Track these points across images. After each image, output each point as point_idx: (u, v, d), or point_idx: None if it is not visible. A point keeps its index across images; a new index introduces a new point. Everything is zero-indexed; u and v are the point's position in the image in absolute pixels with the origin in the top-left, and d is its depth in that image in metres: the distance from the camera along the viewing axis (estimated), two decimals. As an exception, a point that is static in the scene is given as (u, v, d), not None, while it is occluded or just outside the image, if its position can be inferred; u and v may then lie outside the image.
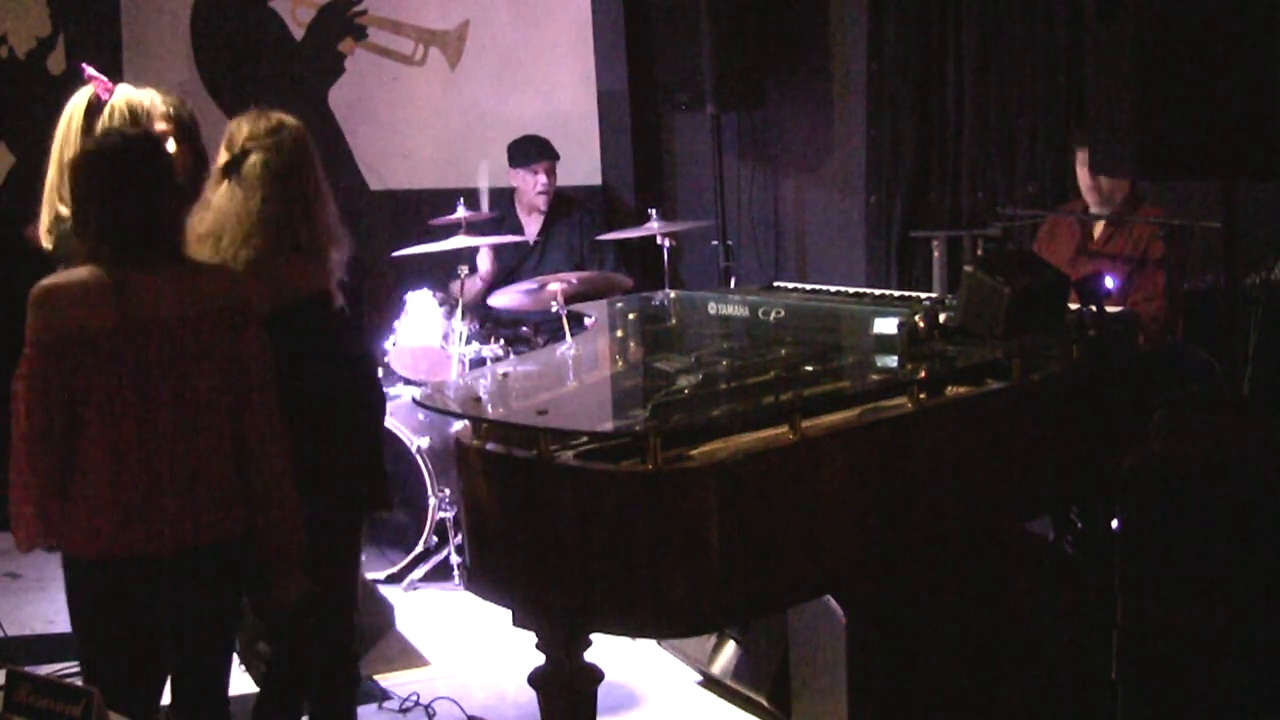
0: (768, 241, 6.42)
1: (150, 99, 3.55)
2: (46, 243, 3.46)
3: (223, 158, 3.29)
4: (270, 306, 3.15)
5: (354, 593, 3.62)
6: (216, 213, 3.23)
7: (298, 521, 3.09)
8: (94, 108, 3.48)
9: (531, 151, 6.10)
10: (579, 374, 3.86)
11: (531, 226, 6.16)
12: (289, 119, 3.34)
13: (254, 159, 3.23)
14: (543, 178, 6.08)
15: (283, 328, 3.15)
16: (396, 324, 5.44)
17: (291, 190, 3.25)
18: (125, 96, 3.52)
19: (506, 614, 3.21)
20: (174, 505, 2.93)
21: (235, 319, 2.98)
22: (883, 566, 3.32)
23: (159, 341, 2.90)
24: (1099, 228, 4.92)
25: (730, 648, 4.14)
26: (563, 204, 6.19)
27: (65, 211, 3.33)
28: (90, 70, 3.55)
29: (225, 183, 3.25)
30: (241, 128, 3.30)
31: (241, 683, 4.33)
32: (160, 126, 3.50)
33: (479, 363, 5.28)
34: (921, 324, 3.71)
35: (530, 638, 3.18)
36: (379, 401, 3.65)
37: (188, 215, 3.16)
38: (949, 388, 3.50)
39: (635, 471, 2.95)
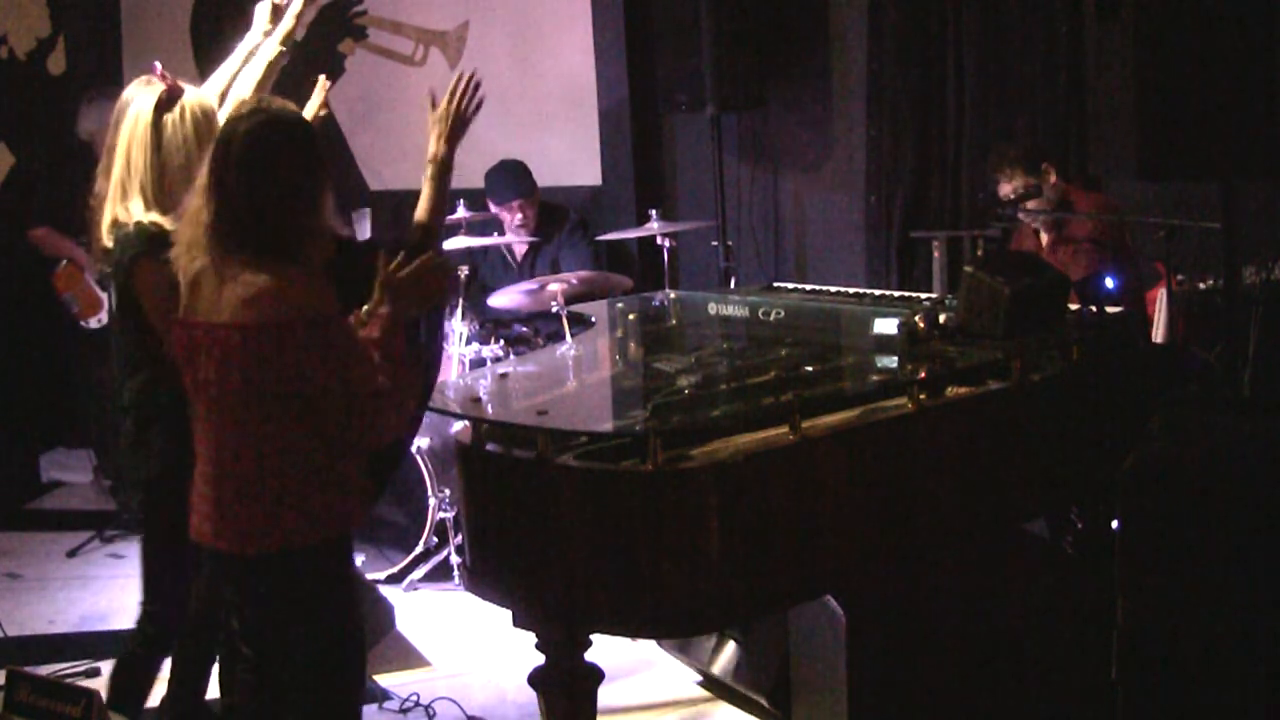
0: (768, 242, 6.42)
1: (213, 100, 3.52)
2: (107, 241, 3.36)
3: None
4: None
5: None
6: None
7: None
8: (163, 106, 3.39)
9: (504, 189, 5.94)
10: (579, 374, 3.86)
11: (520, 246, 6.12)
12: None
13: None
14: (519, 215, 5.97)
15: None
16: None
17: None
18: (198, 98, 3.46)
19: (506, 614, 3.20)
20: (210, 502, 2.89)
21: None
22: (883, 566, 3.31)
23: (197, 342, 2.87)
24: (1044, 234, 4.98)
25: (730, 648, 4.14)
26: (548, 221, 6.07)
27: (137, 211, 3.28)
28: (161, 68, 3.46)
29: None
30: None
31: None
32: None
33: (479, 363, 5.28)
34: (921, 324, 3.71)
35: (530, 638, 3.18)
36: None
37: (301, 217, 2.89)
38: (949, 388, 3.50)
39: (635, 472, 2.95)
